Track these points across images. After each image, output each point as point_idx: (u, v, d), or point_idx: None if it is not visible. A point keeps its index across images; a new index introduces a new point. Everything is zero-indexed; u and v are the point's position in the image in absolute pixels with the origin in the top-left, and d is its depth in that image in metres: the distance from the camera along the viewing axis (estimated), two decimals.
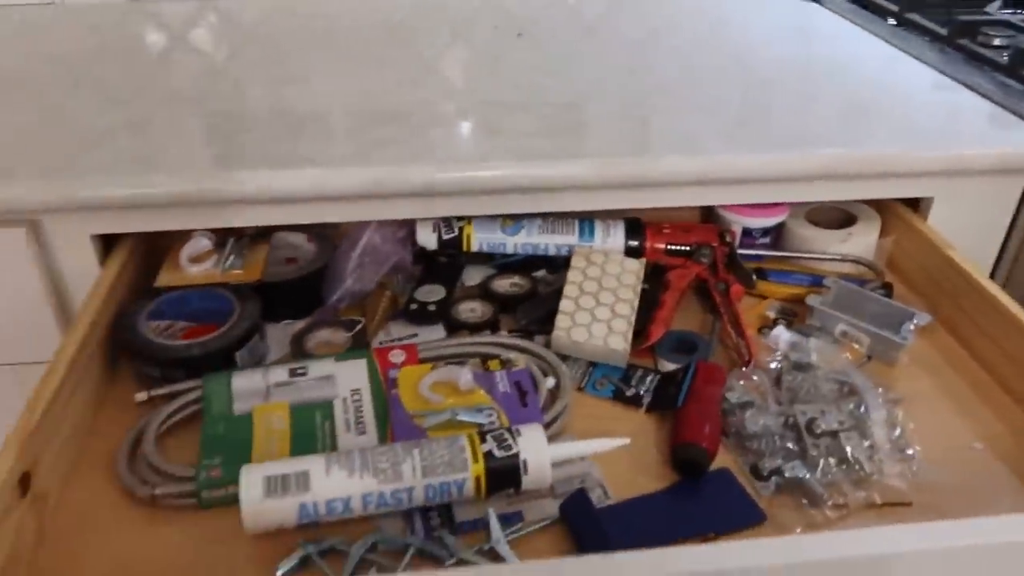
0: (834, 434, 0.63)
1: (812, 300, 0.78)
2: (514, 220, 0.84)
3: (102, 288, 0.73)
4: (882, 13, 1.27)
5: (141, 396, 0.68)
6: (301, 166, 0.74)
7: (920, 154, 0.81)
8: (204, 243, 0.80)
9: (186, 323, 0.75)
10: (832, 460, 0.62)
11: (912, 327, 0.74)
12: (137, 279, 0.80)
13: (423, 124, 0.83)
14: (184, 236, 0.80)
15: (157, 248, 0.83)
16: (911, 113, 0.90)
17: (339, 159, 0.75)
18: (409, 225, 0.84)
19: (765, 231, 0.89)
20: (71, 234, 0.76)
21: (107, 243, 0.79)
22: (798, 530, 0.58)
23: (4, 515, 0.52)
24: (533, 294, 0.83)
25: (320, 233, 0.84)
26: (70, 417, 0.63)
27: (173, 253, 0.80)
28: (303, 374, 0.69)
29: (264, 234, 0.84)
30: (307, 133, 0.81)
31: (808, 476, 0.61)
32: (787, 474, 0.61)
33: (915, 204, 0.88)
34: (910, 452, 0.63)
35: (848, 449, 0.62)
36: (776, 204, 0.88)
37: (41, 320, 0.79)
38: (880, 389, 0.68)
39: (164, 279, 0.77)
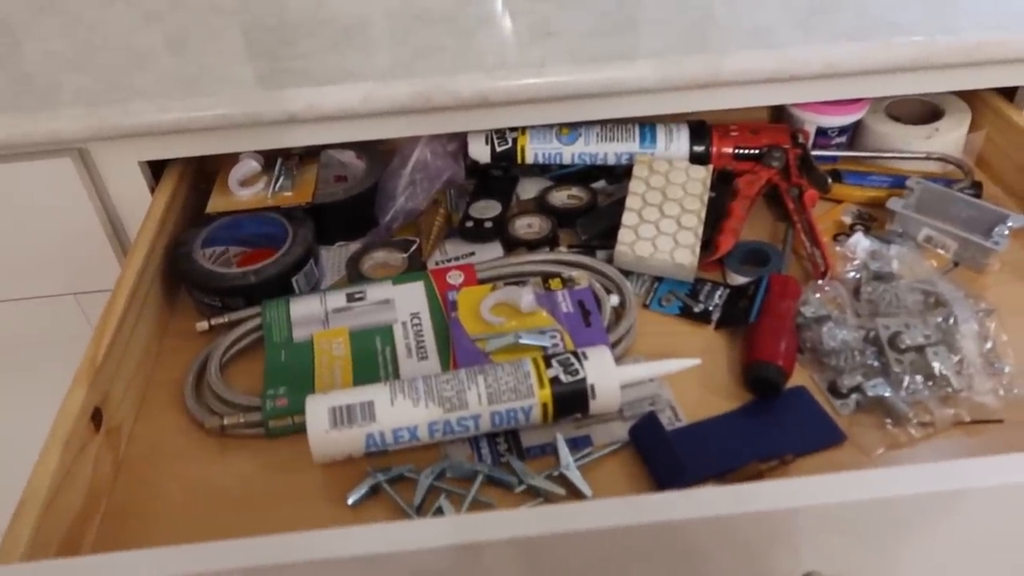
0: (920, 349, 0.60)
1: (893, 203, 0.73)
2: (570, 128, 0.79)
3: (155, 216, 0.72)
4: None
5: (202, 325, 0.67)
6: (346, 81, 0.71)
7: (1019, 37, 0.73)
8: (253, 165, 0.78)
9: (240, 248, 0.74)
10: (918, 377, 0.59)
11: (1006, 230, 0.69)
12: (188, 204, 0.78)
13: (470, 27, 0.78)
14: (232, 159, 0.78)
15: (206, 171, 0.81)
16: None
17: (385, 72, 0.71)
18: (461, 138, 0.80)
19: (841, 130, 0.83)
20: (119, 161, 0.75)
21: (156, 168, 0.78)
22: (880, 451, 0.56)
23: (81, 450, 0.53)
24: (593, 207, 0.79)
25: (369, 149, 0.82)
26: (135, 349, 0.63)
27: (222, 177, 0.78)
28: (361, 299, 0.68)
29: (313, 153, 0.82)
30: (351, 44, 0.76)
31: (891, 394, 0.58)
32: (868, 392, 0.58)
33: (1010, 94, 0.81)
34: (1002, 367, 0.60)
35: (935, 365, 0.59)
36: (853, 100, 0.81)
37: (98, 249, 0.79)
38: (970, 299, 0.63)
39: (215, 205, 0.76)
